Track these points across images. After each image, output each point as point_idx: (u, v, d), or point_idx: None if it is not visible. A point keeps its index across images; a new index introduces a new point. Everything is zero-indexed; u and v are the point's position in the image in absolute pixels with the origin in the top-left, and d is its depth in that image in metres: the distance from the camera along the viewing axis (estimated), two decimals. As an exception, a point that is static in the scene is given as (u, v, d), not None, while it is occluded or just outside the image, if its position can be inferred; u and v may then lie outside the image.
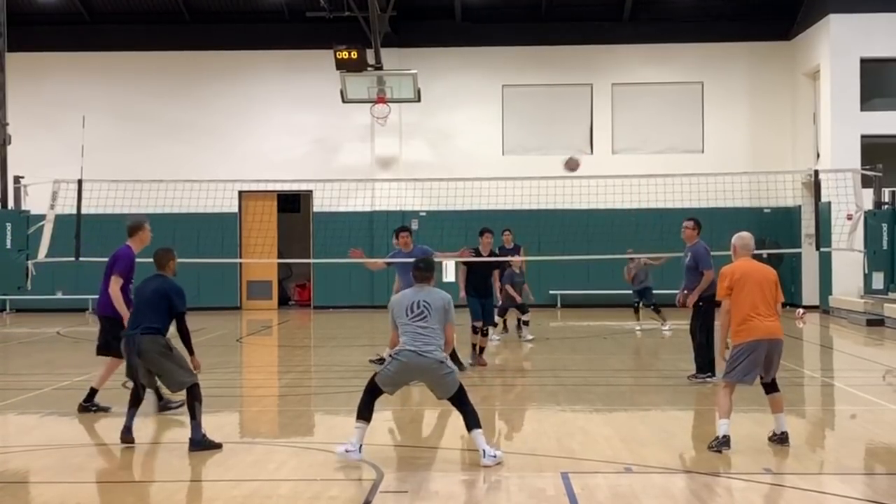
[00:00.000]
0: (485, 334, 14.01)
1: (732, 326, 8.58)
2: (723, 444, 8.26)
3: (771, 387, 8.66)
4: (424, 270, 8.41)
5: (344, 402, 11.21)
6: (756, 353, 8.42)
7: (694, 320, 12.32)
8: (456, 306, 8.40)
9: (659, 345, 17.69)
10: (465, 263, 14.17)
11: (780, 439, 8.54)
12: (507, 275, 17.47)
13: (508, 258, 17.30)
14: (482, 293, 13.96)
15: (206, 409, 11.40)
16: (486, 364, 13.85)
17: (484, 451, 7.86)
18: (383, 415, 10.49)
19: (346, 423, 10.14)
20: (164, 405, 10.47)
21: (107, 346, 10.44)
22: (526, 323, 17.82)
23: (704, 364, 12.18)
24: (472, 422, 8.00)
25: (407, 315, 8.11)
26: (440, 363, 8.02)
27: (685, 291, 12.28)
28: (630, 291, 20.47)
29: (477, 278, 13.98)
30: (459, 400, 8.11)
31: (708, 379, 12.07)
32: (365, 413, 8.13)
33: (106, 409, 10.44)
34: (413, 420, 9.96)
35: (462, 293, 13.84)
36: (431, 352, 8.00)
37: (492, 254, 14.54)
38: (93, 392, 10.51)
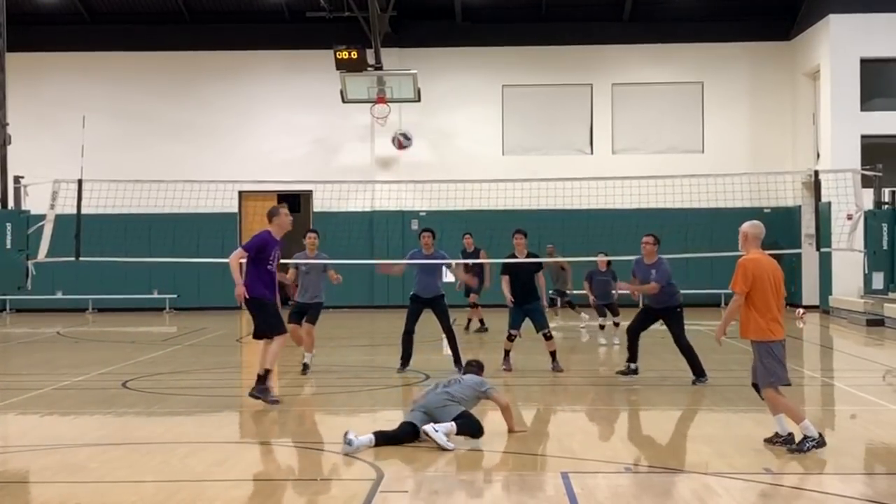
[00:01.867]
0: (549, 338, 13.43)
1: (752, 323, 8.22)
2: (820, 443, 8.09)
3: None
4: (477, 368, 9.37)
5: (344, 402, 11.22)
6: (778, 353, 8.33)
7: (677, 333, 12.49)
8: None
9: (659, 345, 17.68)
10: (504, 270, 13.67)
11: (785, 441, 8.33)
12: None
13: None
14: (523, 299, 13.28)
15: (206, 408, 11.43)
16: (562, 370, 13.30)
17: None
18: (383, 415, 10.49)
19: (347, 423, 10.14)
20: None
21: (267, 329, 10.52)
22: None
23: (698, 367, 12.29)
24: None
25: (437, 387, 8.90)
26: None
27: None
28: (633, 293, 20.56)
29: (517, 283, 13.35)
30: None
31: (704, 381, 12.13)
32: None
33: (276, 402, 10.42)
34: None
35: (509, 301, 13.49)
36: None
37: (530, 255, 13.74)
38: (263, 376, 10.40)
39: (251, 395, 10.45)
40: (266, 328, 10.54)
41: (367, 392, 12.25)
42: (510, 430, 9.08)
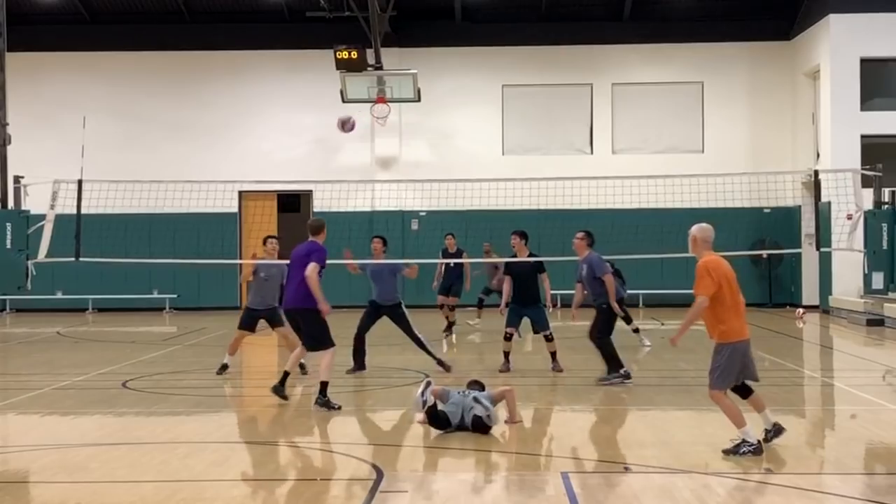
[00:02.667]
0: (549, 339, 13.39)
1: (716, 326, 8.14)
2: (758, 449, 8.01)
3: (745, 390, 8.40)
4: (480, 387, 9.67)
5: (344, 402, 11.21)
6: (742, 354, 8.21)
7: (595, 325, 12.51)
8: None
9: (659, 345, 17.69)
10: (505, 270, 13.66)
11: (776, 432, 8.26)
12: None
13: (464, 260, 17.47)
14: (523, 300, 13.24)
15: (206, 408, 11.43)
16: (562, 370, 13.26)
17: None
18: (383, 415, 10.50)
19: (346, 423, 10.16)
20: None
21: (320, 342, 10.65)
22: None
23: (613, 363, 12.31)
24: None
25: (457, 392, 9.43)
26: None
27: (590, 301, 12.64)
28: (632, 291, 20.42)
29: (515, 284, 13.33)
30: None
31: (624, 379, 12.19)
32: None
33: (337, 408, 10.44)
34: (413, 420, 9.95)
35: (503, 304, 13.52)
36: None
37: (532, 256, 13.67)
38: (324, 385, 10.52)
39: (316, 404, 10.44)
40: (320, 341, 10.64)
41: (367, 392, 12.25)
42: (511, 420, 9.17)
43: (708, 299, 8.06)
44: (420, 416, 9.32)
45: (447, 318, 19.02)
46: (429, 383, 9.35)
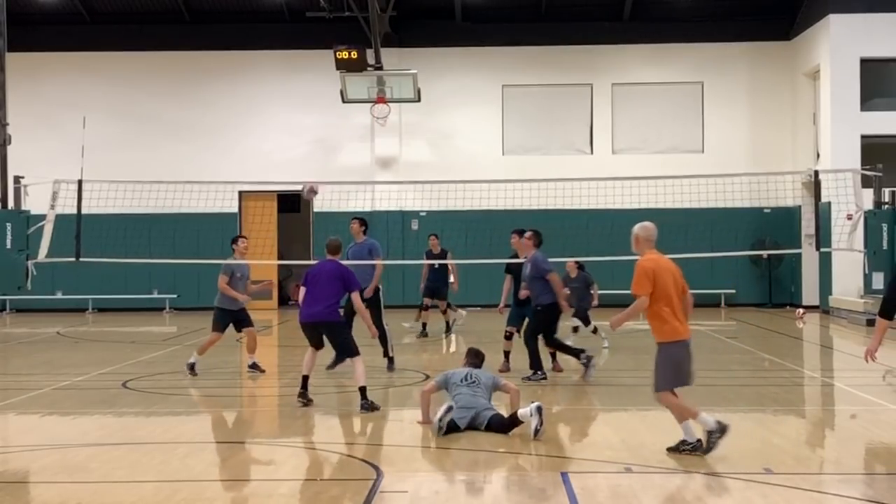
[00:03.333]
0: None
1: (656, 325, 8.05)
2: (696, 447, 7.93)
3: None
4: (480, 360, 9.92)
5: (344, 402, 11.22)
6: (684, 354, 8.10)
7: (529, 324, 12.59)
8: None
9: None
10: (506, 270, 13.74)
11: (721, 430, 7.98)
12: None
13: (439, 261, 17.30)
14: (523, 299, 13.17)
15: (207, 408, 11.43)
16: (562, 370, 13.23)
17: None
18: (383, 415, 10.49)
19: (346, 423, 10.16)
20: None
21: (351, 351, 10.97)
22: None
23: (536, 362, 12.46)
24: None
25: (462, 382, 9.42)
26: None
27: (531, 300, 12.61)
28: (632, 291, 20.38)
29: (516, 284, 13.43)
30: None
31: (540, 377, 12.36)
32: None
33: (378, 408, 10.55)
34: (413, 420, 9.96)
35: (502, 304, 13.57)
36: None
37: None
38: (364, 390, 10.65)
39: (362, 409, 10.48)
40: (351, 350, 10.95)
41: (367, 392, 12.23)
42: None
43: (647, 299, 7.98)
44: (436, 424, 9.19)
45: (442, 319, 18.84)
46: (450, 408, 9.15)
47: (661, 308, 8.00)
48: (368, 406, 10.46)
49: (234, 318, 13.35)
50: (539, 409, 8.81)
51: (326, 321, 10.91)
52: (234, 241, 13.87)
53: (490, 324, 18.71)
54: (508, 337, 13.38)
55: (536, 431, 8.73)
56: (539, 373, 12.49)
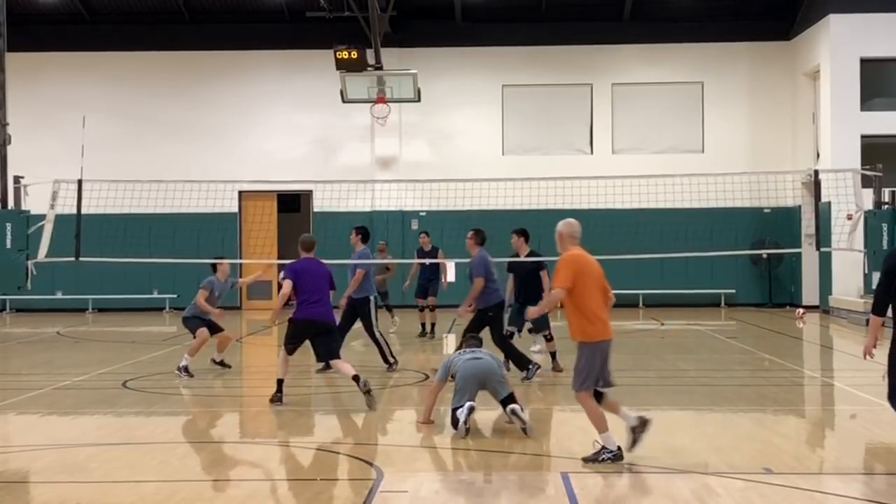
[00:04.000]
0: (549, 339, 13.42)
1: (578, 324, 7.89)
2: (618, 456, 7.81)
3: (600, 393, 8.08)
4: (480, 342, 10.15)
5: (344, 402, 11.22)
6: (603, 354, 7.99)
7: (472, 325, 12.33)
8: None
9: (659, 345, 17.70)
10: (508, 269, 13.66)
11: (641, 425, 7.93)
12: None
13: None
14: (523, 299, 13.20)
15: (207, 408, 11.43)
16: (561, 370, 13.16)
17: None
18: (383, 415, 10.49)
19: (346, 423, 10.16)
20: None
21: (336, 353, 11.15)
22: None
23: (521, 361, 12.45)
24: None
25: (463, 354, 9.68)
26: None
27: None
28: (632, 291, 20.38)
29: (517, 283, 13.41)
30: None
31: (535, 368, 12.49)
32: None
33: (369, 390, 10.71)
34: (413, 420, 9.96)
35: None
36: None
37: (532, 254, 13.59)
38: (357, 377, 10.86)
39: (367, 393, 10.65)
40: (337, 352, 11.15)
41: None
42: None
43: (563, 291, 7.81)
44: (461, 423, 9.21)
45: (429, 320, 18.53)
46: (472, 409, 9.15)
47: (585, 305, 7.86)
48: (367, 388, 10.56)
49: (206, 324, 13.50)
50: (513, 411, 9.08)
51: (330, 322, 11.07)
52: (216, 265, 13.95)
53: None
54: (509, 336, 13.34)
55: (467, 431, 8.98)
56: (531, 367, 12.47)
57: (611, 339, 8.00)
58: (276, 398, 10.83)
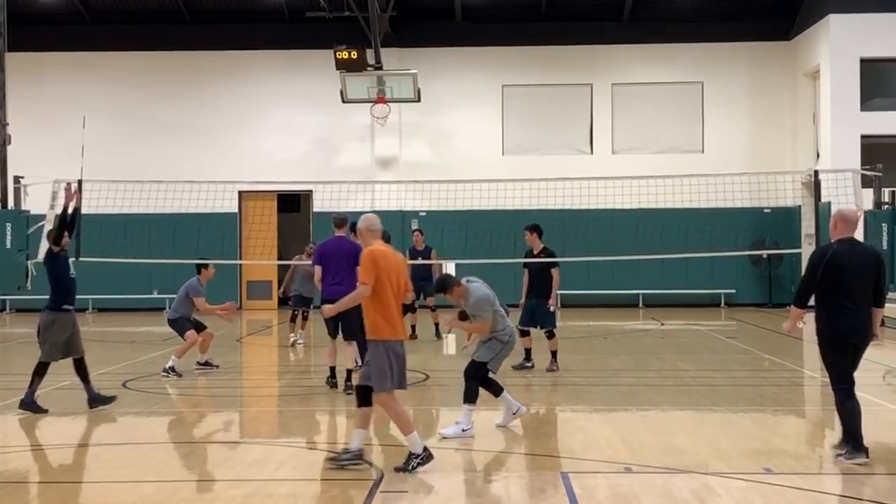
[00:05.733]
0: (550, 336, 13.46)
1: (373, 321, 7.74)
2: (427, 458, 7.64)
3: (366, 399, 7.89)
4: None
5: (344, 401, 11.21)
6: (397, 355, 7.78)
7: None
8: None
9: (659, 345, 17.71)
10: (523, 266, 13.75)
11: (354, 456, 7.73)
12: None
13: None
14: (533, 294, 13.33)
15: (207, 408, 11.43)
16: (556, 370, 13.25)
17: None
18: (383, 415, 10.48)
19: (346, 423, 10.16)
20: None
21: (356, 332, 11.20)
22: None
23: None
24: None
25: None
26: None
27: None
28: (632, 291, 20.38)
29: (530, 279, 13.49)
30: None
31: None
32: (475, 398, 9.24)
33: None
34: (413, 421, 9.95)
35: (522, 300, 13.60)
36: None
37: (545, 252, 13.56)
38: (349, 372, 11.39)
39: (347, 390, 11.26)
40: (356, 331, 11.22)
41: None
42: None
43: (370, 288, 7.69)
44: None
45: (432, 321, 18.11)
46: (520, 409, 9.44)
47: (382, 303, 7.72)
48: (349, 391, 10.85)
49: (193, 325, 13.64)
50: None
51: None
52: (201, 267, 14.20)
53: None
54: (524, 334, 13.32)
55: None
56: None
57: (401, 341, 7.80)
58: (329, 382, 11.80)
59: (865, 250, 8.24)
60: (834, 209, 20.57)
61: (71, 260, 11.00)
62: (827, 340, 8.07)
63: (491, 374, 9.38)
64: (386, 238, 12.52)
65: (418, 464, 7.65)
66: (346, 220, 11.86)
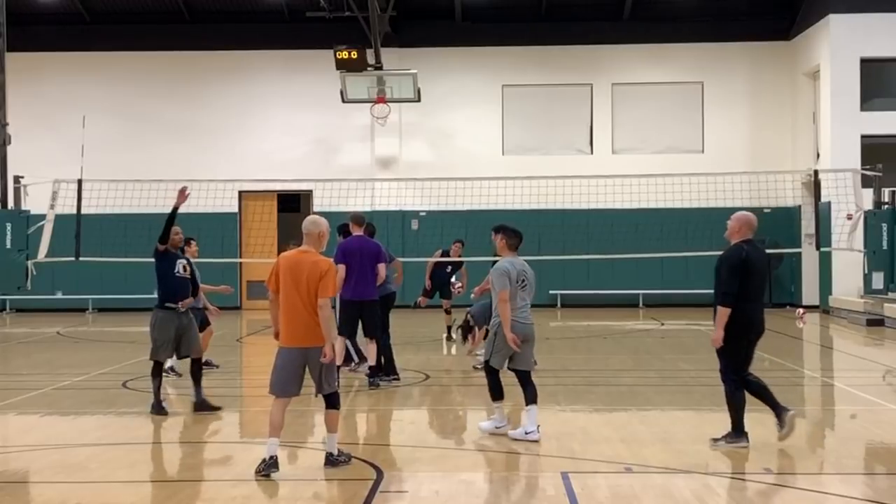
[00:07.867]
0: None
1: (277, 326, 7.76)
2: (271, 465, 7.52)
3: (331, 400, 8.01)
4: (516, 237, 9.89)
5: (344, 402, 11.21)
6: (291, 362, 7.80)
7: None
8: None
9: (659, 345, 17.71)
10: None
11: (267, 466, 7.55)
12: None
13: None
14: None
15: (206, 408, 11.39)
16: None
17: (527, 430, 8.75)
18: (383, 415, 10.49)
19: (347, 423, 10.15)
20: None
21: (377, 330, 11.86)
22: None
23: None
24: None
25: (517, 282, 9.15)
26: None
27: None
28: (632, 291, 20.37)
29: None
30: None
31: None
32: (500, 393, 9.11)
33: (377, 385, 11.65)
34: (413, 420, 9.96)
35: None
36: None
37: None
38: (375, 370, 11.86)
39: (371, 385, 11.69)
40: (377, 328, 11.95)
41: (367, 392, 12.23)
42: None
43: (269, 292, 7.75)
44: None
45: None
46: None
47: (282, 307, 7.66)
48: (376, 383, 11.49)
49: (199, 321, 13.57)
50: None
51: (369, 299, 11.81)
52: (191, 241, 14.12)
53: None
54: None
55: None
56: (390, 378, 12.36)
57: (293, 349, 7.71)
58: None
59: (763, 251, 8.81)
60: (834, 209, 20.68)
61: (180, 261, 11.15)
62: (737, 334, 8.31)
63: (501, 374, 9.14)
64: (371, 231, 12.60)
65: (343, 461, 7.86)
66: (365, 219, 12.14)
